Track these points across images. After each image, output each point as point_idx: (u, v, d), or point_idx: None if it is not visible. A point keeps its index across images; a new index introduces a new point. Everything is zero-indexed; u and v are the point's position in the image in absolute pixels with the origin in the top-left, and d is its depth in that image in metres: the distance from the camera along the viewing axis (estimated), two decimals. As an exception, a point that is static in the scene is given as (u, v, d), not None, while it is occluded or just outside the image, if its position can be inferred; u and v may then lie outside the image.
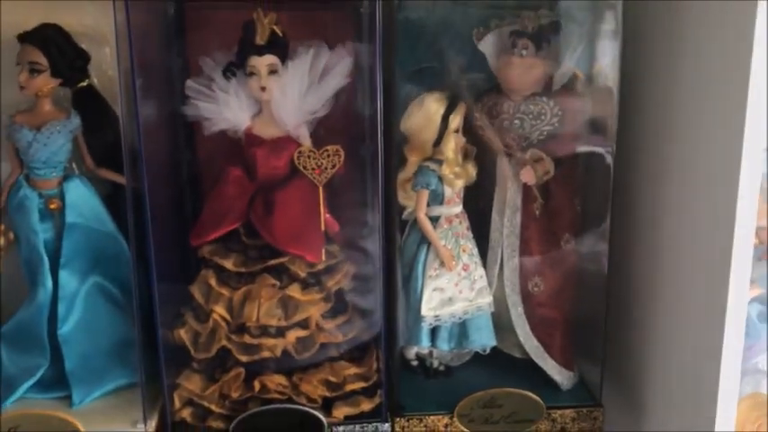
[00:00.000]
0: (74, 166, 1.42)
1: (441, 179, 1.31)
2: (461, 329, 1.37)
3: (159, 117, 1.38)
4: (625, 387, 1.43)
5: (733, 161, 1.08)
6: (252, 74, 1.30)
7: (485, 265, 1.38)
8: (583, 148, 1.35)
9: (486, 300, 1.37)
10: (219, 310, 1.31)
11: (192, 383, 1.33)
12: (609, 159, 1.31)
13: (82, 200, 1.39)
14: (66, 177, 1.38)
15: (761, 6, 1.01)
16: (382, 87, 1.22)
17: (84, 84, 1.40)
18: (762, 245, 1.40)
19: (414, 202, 1.33)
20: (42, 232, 1.37)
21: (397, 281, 1.34)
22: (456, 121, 1.30)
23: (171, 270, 1.38)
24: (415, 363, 1.47)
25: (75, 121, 1.37)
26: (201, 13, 1.45)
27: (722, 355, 1.13)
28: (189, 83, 1.33)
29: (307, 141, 1.33)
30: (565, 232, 1.38)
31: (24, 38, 1.31)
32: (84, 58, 1.37)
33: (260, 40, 1.29)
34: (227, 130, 1.34)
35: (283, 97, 1.31)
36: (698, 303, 1.19)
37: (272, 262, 1.31)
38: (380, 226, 1.28)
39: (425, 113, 1.30)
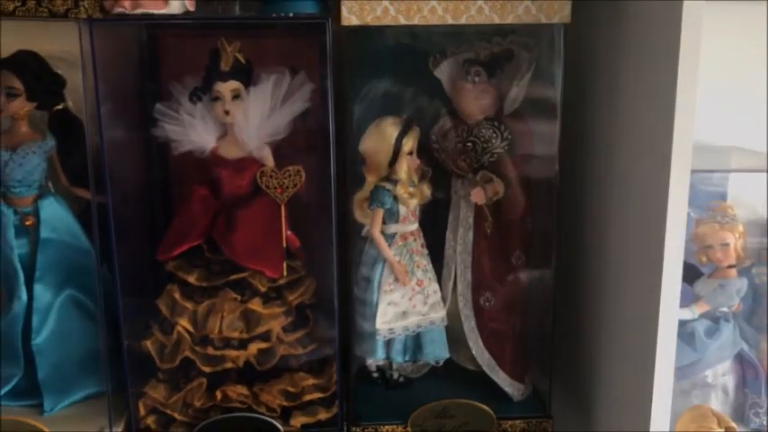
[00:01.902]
0: (49, 184, 1.48)
1: (396, 198, 1.36)
2: (416, 342, 1.41)
3: (130, 138, 1.46)
4: (574, 397, 1.48)
5: (662, 177, 1.13)
6: (217, 98, 1.36)
7: (439, 281, 1.43)
8: (531, 169, 1.40)
9: (440, 314, 1.41)
10: (183, 322, 1.37)
11: (156, 392, 1.39)
12: (554, 178, 1.35)
13: (56, 216, 1.44)
14: (41, 195, 1.44)
15: (685, 15, 1.06)
16: (333, 111, 1.28)
17: (60, 107, 1.45)
18: (710, 263, 1.47)
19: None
20: (18, 247, 1.42)
21: (354, 295, 1.41)
22: (409, 144, 1.35)
23: (140, 284, 1.44)
24: (375, 374, 1.52)
25: (51, 142, 1.44)
26: (173, 40, 1.54)
27: (655, 364, 1.18)
28: (157, 107, 1.40)
29: (269, 162, 1.39)
30: (515, 249, 1.43)
31: (1, 64, 1.37)
32: (59, 82, 1.43)
33: (224, 66, 1.36)
34: (194, 151, 1.40)
35: (246, 120, 1.37)
36: (635, 315, 1.25)
37: (234, 277, 1.37)
38: (335, 243, 1.34)
39: (381, 136, 1.35)
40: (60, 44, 1.42)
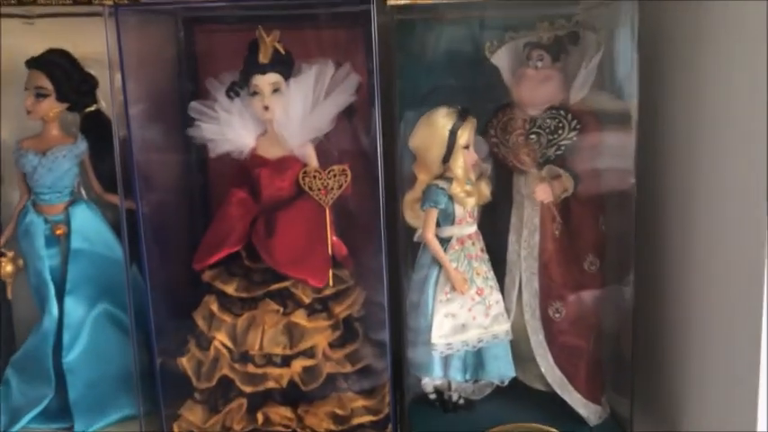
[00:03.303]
0: (82, 191, 1.42)
1: (451, 198, 1.26)
2: (477, 359, 1.30)
3: (166, 140, 1.38)
4: (658, 421, 1.31)
5: (759, 171, 0.98)
6: (255, 93, 1.28)
7: (502, 289, 1.32)
8: (603, 164, 1.27)
9: (504, 327, 1.29)
10: (221, 337, 1.28)
11: (193, 415, 1.29)
12: (632, 174, 1.23)
13: (88, 225, 1.39)
14: (73, 202, 1.39)
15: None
16: (380, 105, 1.20)
17: (93, 108, 1.40)
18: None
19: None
20: (48, 258, 1.37)
21: (406, 307, 1.29)
22: (465, 136, 1.24)
23: (176, 296, 1.36)
24: (433, 396, 1.38)
25: (82, 145, 1.38)
26: (211, 35, 1.47)
27: (759, 384, 1.01)
28: (192, 104, 1.32)
29: (312, 161, 1.30)
30: (588, 253, 1.29)
31: (30, 63, 1.33)
32: (90, 82, 1.38)
33: (263, 58, 1.27)
34: (231, 152, 1.32)
35: (287, 116, 1.28)
36: (734, 328, 1.08)
37: (275, 286, 1.27)
38: (384, 249, 1.23)
39: (433, 129, 1.25)
40: (94, 45, 1.34)
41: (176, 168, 1.46)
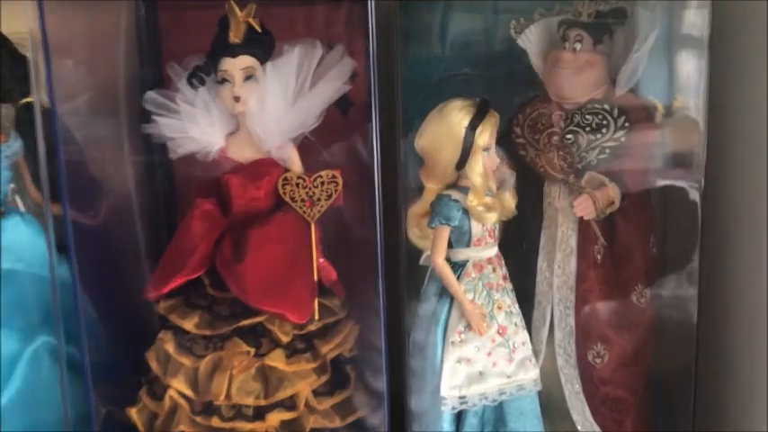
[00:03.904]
0: (17, 199, 1.26)
1: (467, 212, 1.08)
2: (497, 415, 1.14)
3: (121, 138, 1.24)
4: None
5: None
6: (224, 81, 1.09)
7: (529, 327, 1.16)
8: (656, 172, 1.13)
9: (531, 375, 1.13)
10: (178, 384, 1.09)
11: (143, 480, 1.10)
12: (696, 185, 1.09)
13: (23, 242, 1.22)
14: (4, 214, 1.22)
15: None
16: (378, 96, 1.05)
17: (30, 99, 1.19)
18: None
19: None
20: (-24, 282, 1.21)
21: (410, 348, 1.13)
22: (485, 135, 1.05)
23: (130, 330, 1.20)
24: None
25: (16, 144, 1.21)
26: (178, 13, 1.30)
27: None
28: (148, 95, 1.14)
29: (295, 165, 1.13)
30: (636, 283, 1.14)
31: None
32: (26, 66, 1.16)
33: (234, 37, 1.09)
34: (196, 153, 1.14)
35: (262, 108, 1.09)
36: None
37: (246, 322, 1.09)
38: (381, 272, 1.07)
39: (446, 126, 1.06)
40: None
41: (133, 172, 1.29)
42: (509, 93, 1.21)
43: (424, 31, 1.23)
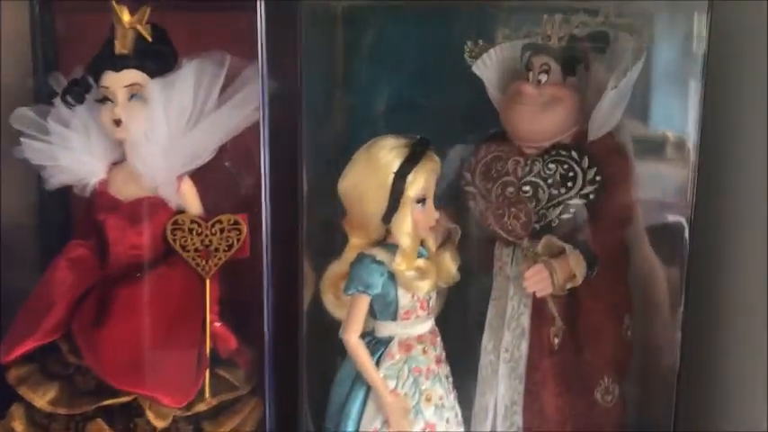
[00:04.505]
0: None
1: (393, 277, 0.86)
2: None
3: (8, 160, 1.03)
4: None
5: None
6: (105, 99, 0.89)
7: (468, 421, 0.93)
8: (638, 237, 0.92)
9: None
10: None
11: None
12: (683, 259, 0.88)
13: None
14: None
15: None
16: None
17: None
18: None
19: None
20: None
21: None
22: (418, 184, 0.83)
23: None
24: None
25: None
26: (77, 16, 1.10)
27: None
28: (19, 111, 0.95)
29: (192, 205, 0.93)
30: (602, 376, 0.91)
31: None
32: None
33: (119, 47, 0.90)
34: (72, 186, 0.95)
35: (148, 135, 0.89)
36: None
37: (111, 401, 0.87)
38: (268, 349, 0.87)
39: (372, 169, 0.84)
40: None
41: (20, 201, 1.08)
42: (468, 128, 0.98)
43: (368, 49, 1.02)
